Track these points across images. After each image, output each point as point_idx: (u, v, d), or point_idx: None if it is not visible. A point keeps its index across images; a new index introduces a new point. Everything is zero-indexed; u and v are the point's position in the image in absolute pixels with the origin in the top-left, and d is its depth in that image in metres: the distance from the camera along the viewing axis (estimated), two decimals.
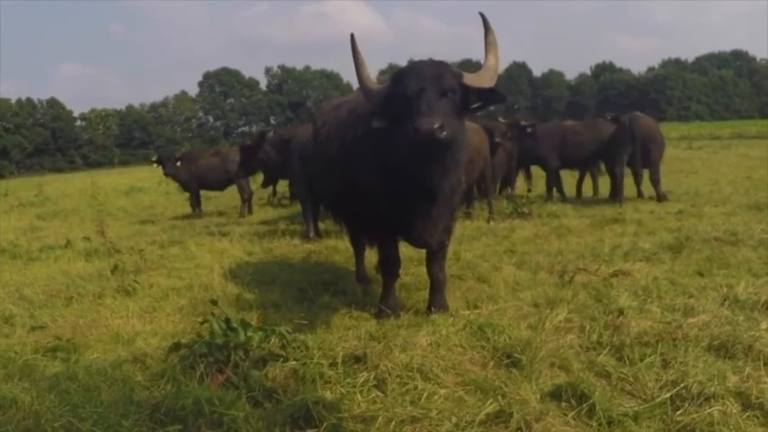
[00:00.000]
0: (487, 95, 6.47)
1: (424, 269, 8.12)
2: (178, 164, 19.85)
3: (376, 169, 6.92)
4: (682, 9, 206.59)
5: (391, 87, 6.41)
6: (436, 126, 5.62)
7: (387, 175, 6.69)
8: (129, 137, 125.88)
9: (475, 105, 6.47)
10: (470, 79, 6.36)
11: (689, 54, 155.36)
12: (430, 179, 6.31)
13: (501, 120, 17.88)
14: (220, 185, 20.80)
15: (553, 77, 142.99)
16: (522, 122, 18.21)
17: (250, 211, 19.68)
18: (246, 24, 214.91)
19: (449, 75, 6.18)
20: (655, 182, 16.56)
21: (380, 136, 6.56)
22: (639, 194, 17.27)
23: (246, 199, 19.68)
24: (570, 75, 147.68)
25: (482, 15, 6.57)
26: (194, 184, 20.14)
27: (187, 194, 20.92)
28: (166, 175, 20.21)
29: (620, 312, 6.79)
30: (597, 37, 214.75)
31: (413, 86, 6.06)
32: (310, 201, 13.34)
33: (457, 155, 6.39)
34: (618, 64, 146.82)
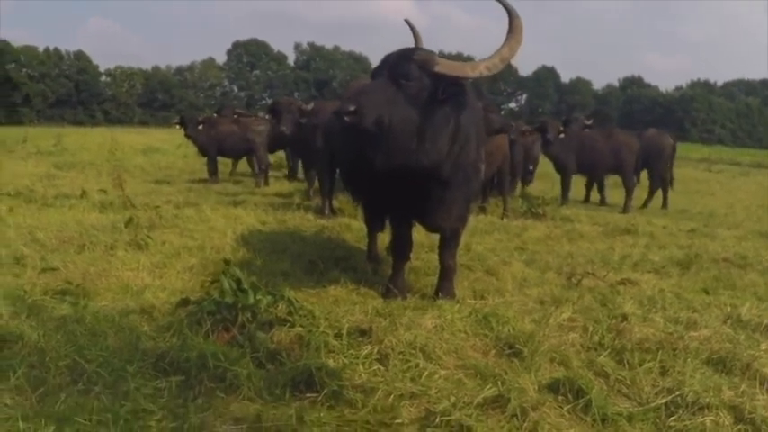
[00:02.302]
0: (451, 88, 6.29)
1: (434, 256, 8.24)
2: (200, 127, 19.89)
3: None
4: (714, 32, 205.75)
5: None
6: (350, 109, 5.79)
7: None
8: (152, 97, 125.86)
9: (442, 96, 6.24)
10: (446, 67, 6.24)
11: (718, 77, 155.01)
12: (374, 161, 6.30)
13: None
14: (238, 153, 21.00)
15: (580, 85, 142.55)
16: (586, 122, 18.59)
17: (266, 183, 19.74)
18: None
19: (406, 63, 6.16)
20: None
21: None
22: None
23: (263, 170, 19.81)
24: (597, 84, 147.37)
25: (501, 2, 6.36)
26: (213, 149, 20.17)
27: (205, 159, 20.91)
28: (188, 136, 20.23)
29: (624, 318, 6.83)
30: (628, 51, 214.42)
31: (374, 72, 6.38)
32: (328, 177, 13.42)
33: (405, 141, 6.21)
34: (646, 79, 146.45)
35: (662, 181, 18.91)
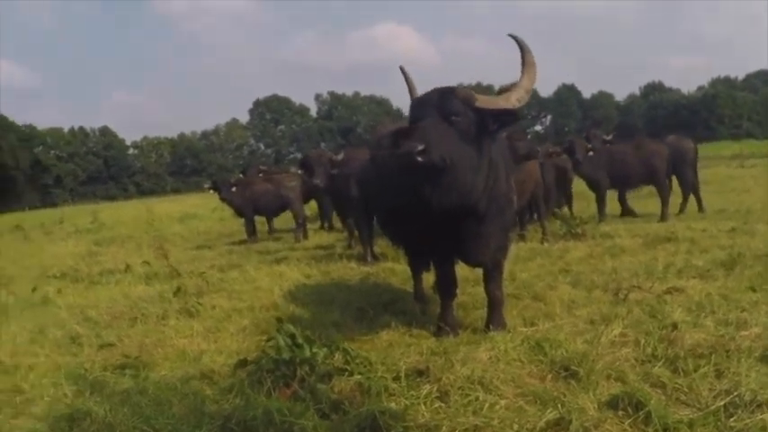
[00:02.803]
0: (501, 117, 6.57)
1: (480, 289, 8.32)
2: (233, 189, 20.10)
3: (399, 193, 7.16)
4: (730, 26, 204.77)
5: (409, 116, 6.74)
6: (418, 149, 5.85)
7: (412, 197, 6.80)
8: (181, 164, 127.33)
9: (493, 128, 6.57)
10: (486, 101, 6.51)
11: (739, 72, 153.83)
12: (431, 200, 6.39)
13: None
14: (275, 210, 21.11)
15: (602, 98, 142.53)
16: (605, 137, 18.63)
17: (305, 236, 19.80)
18: (296, 51, 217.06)
19: (451, 100, 6.37)
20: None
21: None
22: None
23: (301, 224, 19.92)
24: (620, 96, 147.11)
25: (514, 37, 6.75)
26: (249, 209, 20.32)
27: (242, 220, 21.07)
28: (223, 200, 20.43)
29: (675, 327, 6.87)
30: (646, 57, 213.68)
31: (415, 114, 6.44)
32: (366, 224, 13.57)
33: (465, 177, 6.41)
34: (667, 83, 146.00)
35: (691, 185, 18.84)
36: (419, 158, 5.86)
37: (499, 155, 7.12)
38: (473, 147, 6.46)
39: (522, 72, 6.73)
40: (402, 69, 7.21)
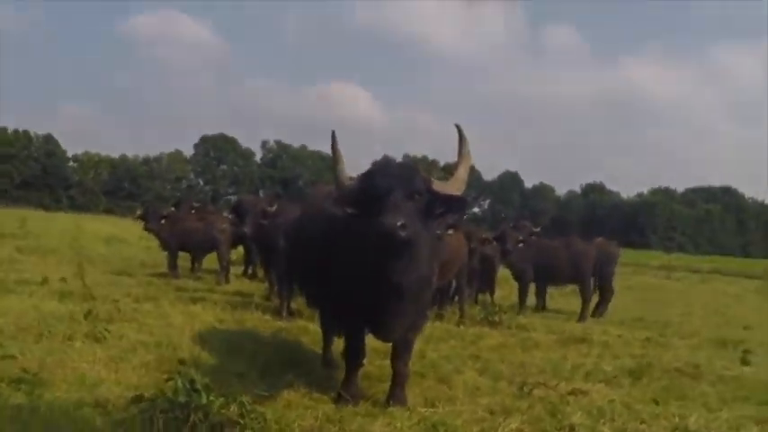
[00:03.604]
0: (452, 203, 6.86)
1: (388, 363, 8.24)
2: (162, 221, 19.95)
3: (347, 260, 7.26)
4: (676, 140, 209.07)
5: (363, 184, 6.83)
6: (399, 224, 6.00)
7: (355, 266, 7.03)
8: (118, 186, 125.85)
9: (439, 211, 6.83)
10: (438, 186, 6.76)
11: (678, 184, 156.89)
12: (392, 274, 6.60)
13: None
14: (202, 250, 20.93)
15: (543, 191, 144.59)
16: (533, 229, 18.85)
17: (227, 280, 19.60)
18: (252, 95, 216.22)
19: (417, 179, 6.63)
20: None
21: (353, 228, 6.88)
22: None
23: (225, 267, 19.80)
24: (560, 190, 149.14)
25: (457, 127, 7.12)
26: (175, 244, 20.10)
27: (166, 253, 20.79)
28: (148, 230, 20.26)
29: (572, 429, 6.96)
30: (590, 157, 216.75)
31: (382, 186, 6.47)
32: (287, 279, 13.46)
33: (418, 254, 6.71)
34: (608, 186, 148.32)
35: (609, 288, 19.10)
36: (402, 233, 6.02)
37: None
38: (426, 227, 6.74)
39: (459, 163, 7.07)
40: (333, 135, 7.31)
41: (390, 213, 6.09)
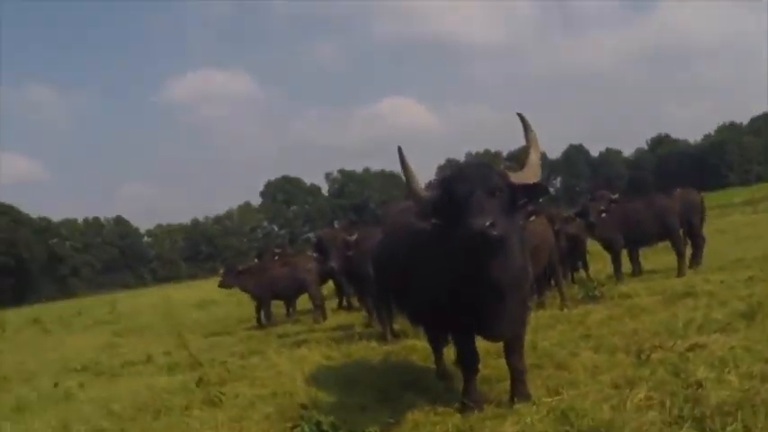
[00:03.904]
0: (533, 191, 6.89)
1: (503, 361, 8.22)
2: (240, 275, 20.41)
3: (441, 268, 7.27)
4: (730, 71, 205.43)
5: (441, 193, 6.85)
6: (488, 224, 5.99)
7: (450, 272, 7.03)
8: (196, 250, 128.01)
9: (522, 202, 6.87)
10: (516, 177, 6.78)
11: (743, 116, 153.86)
12: (490, 274, 6.64)
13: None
14: (292, 294, 21.10)
15: (611, 156, 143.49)
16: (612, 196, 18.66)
17: (324, 317, 19.61)
18: (302, 132, 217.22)
19: (494, 176, 6.64)
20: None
21: (441, 236, 6.90)
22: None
23: (319, 305, 19.90)
24: (627, 151, 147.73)
25: (520, 116, 7.15)
26: (266, 294, 20.31)
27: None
28: (222, 287, 21.01)
29: (699, 385, 6.84)
30: (650, 110, 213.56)
31: (462, 190, 6.48)
32: (384, 303, 13.47)
33: (512, 250, 6.75)
34: (674, 135, 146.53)
35: (700, 236, 18.76)
36: (493, 232, 6.04)
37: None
38: (513, 220, 6.78)
39: (529, 149, 7.05)
40: (400, 151, 7.34)
41: (477, 215, 6.10)
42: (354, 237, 14.70)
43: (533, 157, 7.01)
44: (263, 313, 20.50)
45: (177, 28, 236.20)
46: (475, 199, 6.32)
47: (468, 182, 6.52)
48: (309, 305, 20.57)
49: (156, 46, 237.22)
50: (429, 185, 7.65)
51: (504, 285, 6.84)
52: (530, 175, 6.86)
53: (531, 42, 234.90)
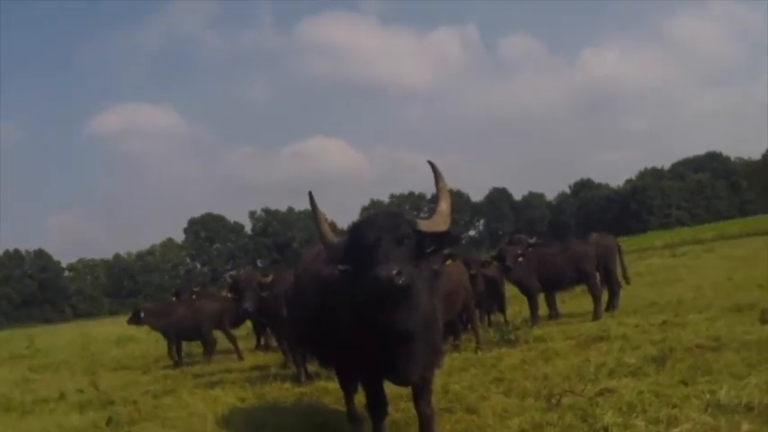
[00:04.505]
0: (442, 239, 6.93)
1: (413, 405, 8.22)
2: (142, 315, 20.46)
3: (349, 314, 7.26)
4: (653, 118, 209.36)
5: (351, 239, 6.91)
6: (394, 272, 6.03)
7: (359, 318, 7.02)
8: (118, 286, 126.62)
9: (430, 249, 6.87)
10: (425, 225, 6.84)
11: (665, 161, 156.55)
12: (395, 321, 6.60)
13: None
14: (189, 336, 20.93)
15: (534, 199, 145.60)
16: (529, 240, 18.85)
17: (240, 357, 19.55)
18: (227, 169, 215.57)
19: (403, 224, 6.68)
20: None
21: (349, 282, 6.89)
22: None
23: (209, 351, 20.25)
24: (550, 195, 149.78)
25: (431, 164, 7.27)
26: (168, 334, 20.37)
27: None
28: (130, 324, 21.14)
29: (606, 430, 6.93)
30: (574, 154, 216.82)
31: (370, 237, 6.52)
32: (297, 344, 13.42)
33: (419, 297, 6.70)
34: (596, 180, 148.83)
35: (615, 281, 18.96)
36: (398, 281, 6.07)
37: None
38: (421, 268, 6.76)
39: (439, 198, 7.19)
40: (310, 195, 7.39)
41: (383, 263, 6.14)
42: (270, 278, 14.68)
43: (443, 206, 7.10)
44: (174, 351, 20.35)
45: (103, 60, 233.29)
46: (382, 247, 6.36)
47: (377, 229, 6.56)
48: (227, 344, 20.40)
49: (83, 78, 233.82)
50: (342, 232, 7.69)
51: (410, 332, 6.80)
52: (439, 222, 6.94)
53: (459, 86, 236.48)
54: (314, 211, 7.42)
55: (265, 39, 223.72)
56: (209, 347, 20.16)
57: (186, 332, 20.47)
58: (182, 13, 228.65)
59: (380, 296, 6.29)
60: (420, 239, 6.74)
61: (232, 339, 20.22)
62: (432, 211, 7.20)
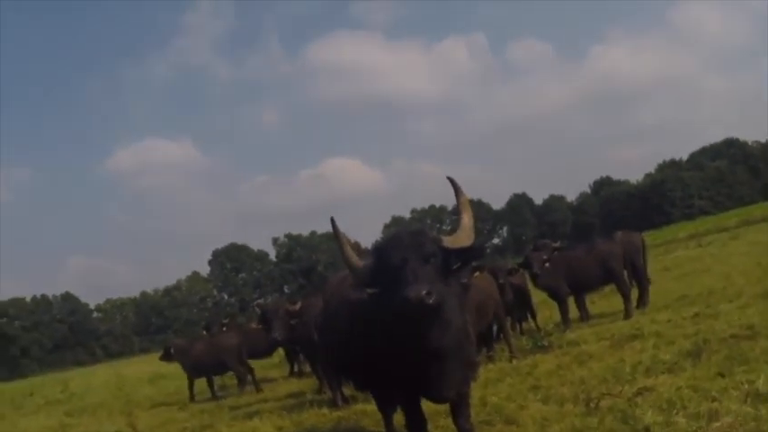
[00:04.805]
0: (467, 254, 6.92)
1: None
2: (172, 351, 20.79)
3: (381, 336, 7.22)
4: (668, 110, 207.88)
5: (376, 260, 6.87)
6: (424, 293, 5.99)
7: (391, 340, 6.98)
8: (147, 323, 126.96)
9: (456, 265, 6.87)
10: (449, 241, 6.83)
11: (683, 152, 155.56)
12: (428, 341, 6.60)
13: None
14: (212, 371, 21.05)
15: (554, 202, 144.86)
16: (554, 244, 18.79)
17: (258, 390, 19.71)
18: (246, 198, 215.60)
19: (427, 242, 6.65)
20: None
21: (378, 305, 6.86)
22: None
23: (243, 380, 20.31)
24: (571, 196, 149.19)
25: (451, 180, 7.25)
26: (194, 371, 20.64)
27: (216, 378, 21.02)
28: (161, 360, 21.63)
29: (647, 430, 6.88)
30: (591, 153, 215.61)
31: (396, 257, 6.49)
32: (332, 369, 13.38)
33: (449, 314, 6.70)
34: (615, 177, 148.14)
35: (644, 277, 18.86)
36: (429, 301, 6.02)
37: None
38: (449, 284, 6.75)
39: (461, 212, 7.19)
40: (332, 221, 7.37)
41: (412, 284, 6.10)
42: (298, 305, 14.71)
43: (466, 220, 7.10)
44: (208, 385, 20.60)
45: (117, 97, 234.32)
46: (409, 267, 6.33)
47: (402, 249, 6.54)
48: (263, 374, 20.44)
49: (96, 116, 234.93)
50: (366, 253, 7.66)
51: (443, 349, 6.80)
52: (463, 237, 6.93)
53: (469, 94, 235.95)
54: (337, 237, 7.38)
55: (273, 64, 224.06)
56: (242, 379, 20.11)
57: (210, 368, 20.65)
58: (187, 45, 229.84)
59: (412, 317, 6.26)
60: (446, 256, 6.72)
61: (244, 372, 20.39)
62: (455, 226, 7.21)
